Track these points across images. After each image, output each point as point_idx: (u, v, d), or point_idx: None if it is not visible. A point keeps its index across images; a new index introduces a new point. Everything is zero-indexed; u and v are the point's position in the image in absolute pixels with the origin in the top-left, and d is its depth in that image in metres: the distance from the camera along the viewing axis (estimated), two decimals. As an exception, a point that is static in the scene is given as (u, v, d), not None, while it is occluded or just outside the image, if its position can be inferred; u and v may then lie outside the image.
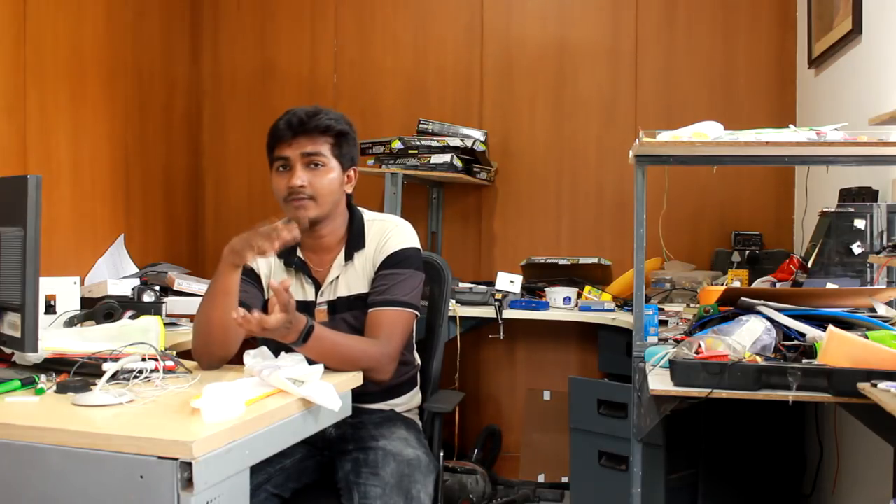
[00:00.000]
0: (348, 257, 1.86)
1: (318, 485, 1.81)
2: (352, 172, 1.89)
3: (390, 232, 1.88)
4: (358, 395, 1.67)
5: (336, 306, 1.86)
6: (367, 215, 1.93)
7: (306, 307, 1.84)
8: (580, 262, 3.23)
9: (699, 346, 1.69)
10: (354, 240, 1.88)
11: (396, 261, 1.84)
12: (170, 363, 1.57)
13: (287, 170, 1.81)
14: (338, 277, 1.86)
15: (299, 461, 1.79)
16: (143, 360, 1.52)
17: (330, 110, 1.86)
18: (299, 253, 1.89)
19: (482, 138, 3.39)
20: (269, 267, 1.89)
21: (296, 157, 1.80)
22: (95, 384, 1.40)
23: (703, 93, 3.49)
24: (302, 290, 1.87)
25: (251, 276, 1.86)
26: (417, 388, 2.02)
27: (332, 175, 1.82)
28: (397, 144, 3.29)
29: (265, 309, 1.84)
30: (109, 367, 1.43)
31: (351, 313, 1.85)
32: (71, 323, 2.12)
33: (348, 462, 1.75)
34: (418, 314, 1.86)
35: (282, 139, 1.82)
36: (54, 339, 1.67)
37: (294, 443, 1.42)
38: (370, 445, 1.76)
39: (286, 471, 1.75)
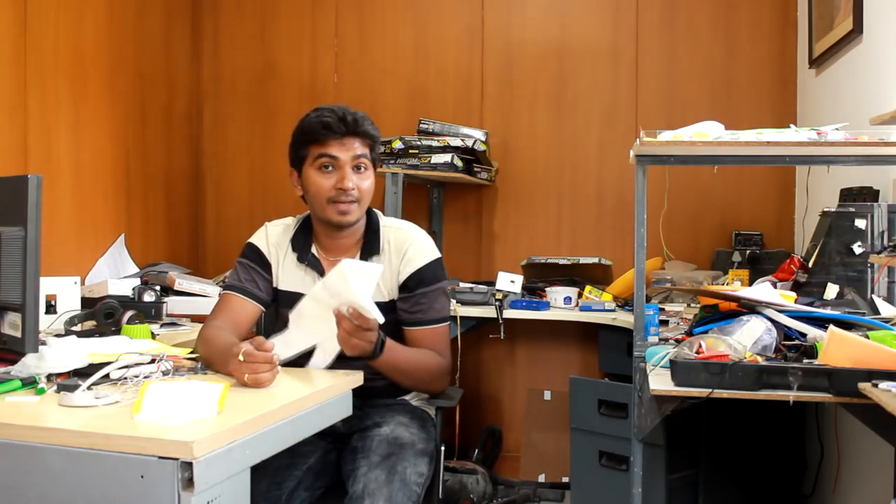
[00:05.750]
0: (364, 261, 1.88)
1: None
2: (375, 175, 1.92)
3: (410, 244, 1.89)
4: (367, 391, 1.69)
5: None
6: (383, 220, 1.95)
7: None
8: (581, 261, 3.23)
9: (700, 345, 1.69)
10: (370, 244, 1.90)
11: (426, 277, 1.87)
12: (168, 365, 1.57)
13: (332, 169, 1.82)
14: None
15: (322, 458, 1.81)
16: (152, 361, 1.53)
17: (359, 111, 1.86)
18: (313, 249, 1.91)
19: (483, 138, 3.39)
20: (280, 258, 1.92)
21: (346, 159, 1.81)
22: (97, 385, 1.40)
23: (703, 93, 3.49)
24: (313, 287, 1.89)
25: (262, 265, 1.91)
26: None
27: (372, 179, 1.87)
28: (398, 144, 3.29)
29: (274, 297, 1.91)
30: (110, 369, 1.43)
31: None
32: (71, 323, 2.11)
33: (349, 453, 1.78)
34: None
35: (331, 136, 1.81)
36: (79, 346, 1.60)
37: (294, 443, 1.42)
38: (370, 433, 1.78)
39: (312, 470, 1.77)
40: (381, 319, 1.55)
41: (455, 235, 3.70)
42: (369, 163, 1.86)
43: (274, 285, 1.92)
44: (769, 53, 3.44)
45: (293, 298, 1.88)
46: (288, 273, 1.91)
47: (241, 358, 1.47)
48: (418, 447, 1.76)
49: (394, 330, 1.87)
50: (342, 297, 1.55)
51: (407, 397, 1.96)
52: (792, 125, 1.95)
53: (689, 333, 1.90)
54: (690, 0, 3.50)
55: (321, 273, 1.89)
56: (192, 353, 1.71)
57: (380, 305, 1.83)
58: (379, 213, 1.97)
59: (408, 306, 1.86)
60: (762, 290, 1.88)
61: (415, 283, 1.86)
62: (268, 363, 1.47)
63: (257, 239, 1.95)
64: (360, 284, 1.52)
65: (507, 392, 3.67)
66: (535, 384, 3.57)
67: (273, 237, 1.94)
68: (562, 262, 3.24)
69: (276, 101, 3.84)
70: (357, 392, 1.63)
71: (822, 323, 1.73)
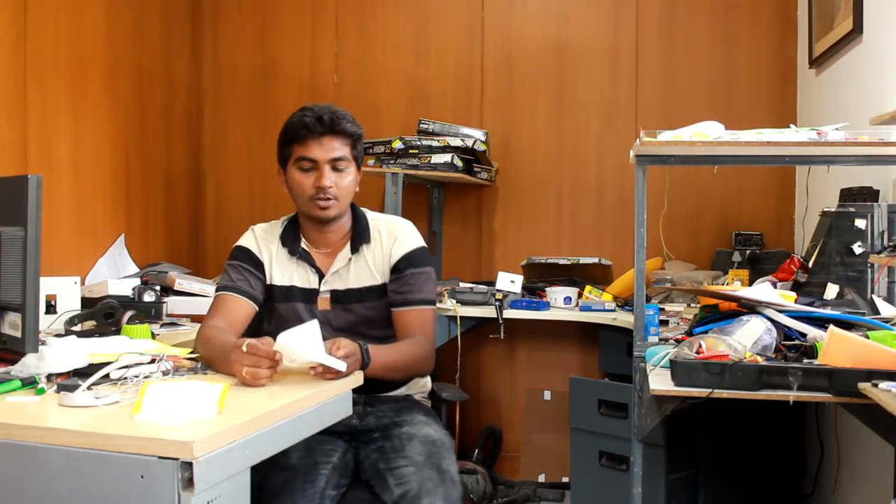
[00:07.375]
0: (354, 250, 1.93)
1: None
2: (359, 172, 1.97)
3: (400, 230, 1.97)
4: (374, 384, 1.72)
5: (340, 296, 1.93)
6: (370, 214, 2.01)
7: (310, 294, 1.93)
8: (581, 261, 3.23)
9: (700, 345, 1.69)
10: (360, 234, 1.95)
11: (415, 260, 1.93)
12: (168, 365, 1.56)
13: (312, 170, 1.87)
14: (342, 268, 1.93)
15: (342, 456, 1.82)
16: (152, 361, 1.53)
17: (340, 109, 1.91)
18: (303, 244, 1.96)
19: (483, 138, 3.38)
20: (272, 255, 1.96)
21: (324, 160, 1.86)
22: (97, 385, 1.40)
23: (703, 93, 3.49)
24: (306, 278, 1.94)
25: (254, 265, 1.94)
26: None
27: (352, 177, 1.92)
28: (398, 144, 3.29)
29: (268, 293, 1.94)
30: (110, 369, 1.43)
31: (363, 304, 1.93)
32: (71, 323, 2.11)
33: (374, 452, 1.79)
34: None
35: (310, 136, 1.85)
36: (80, 346, 1.59)
37: (294, 442, 1.42)
38: (394, 432, 1.81)
39: (337, 469, 1.78)
40: (342, 368, 1.50)
41: (455, 235, 3.70)
42: (350, 161, 1.90)
43: (268, 282, 1.95)
44: (769, 53, 3.44)
45: (287, 292, 1.92)
46: (281, 268, 1.95)
47: (244, 349, 1.47)
48: (447, 444, 1.80)
49: (386, 315, 1.93)
50: (299, 361, 1.52)
51: (411, 387, 2.00)
52: (792, 125, 1.95)
53: (689, 333, 1.90)
54: (690, 0, 3.50)
55: (312, 264, 1.94)
56: (192, 353, 1.71)
57: (373, 288, 1.92)
58: (365, 209, 2.02)
59: (397, 286, 1.92)
60: (762, 290, 1.88)
61: (405, 265, 1.92)
62: (269, 359, 1.48)
63: (246, 241, 1.98)
64: (306, 346, 1.47)
65: (506, 392, 3.67)
66: (535, 384, 3.57)
67: (261, 236, 1.98)
68: (562, 262, 3.24)
69: (276, 100, 3.83)
70: (356, 388, 1.63)
71: (822, 323, 1.73)
